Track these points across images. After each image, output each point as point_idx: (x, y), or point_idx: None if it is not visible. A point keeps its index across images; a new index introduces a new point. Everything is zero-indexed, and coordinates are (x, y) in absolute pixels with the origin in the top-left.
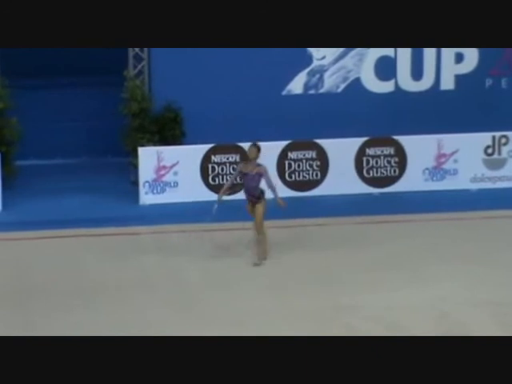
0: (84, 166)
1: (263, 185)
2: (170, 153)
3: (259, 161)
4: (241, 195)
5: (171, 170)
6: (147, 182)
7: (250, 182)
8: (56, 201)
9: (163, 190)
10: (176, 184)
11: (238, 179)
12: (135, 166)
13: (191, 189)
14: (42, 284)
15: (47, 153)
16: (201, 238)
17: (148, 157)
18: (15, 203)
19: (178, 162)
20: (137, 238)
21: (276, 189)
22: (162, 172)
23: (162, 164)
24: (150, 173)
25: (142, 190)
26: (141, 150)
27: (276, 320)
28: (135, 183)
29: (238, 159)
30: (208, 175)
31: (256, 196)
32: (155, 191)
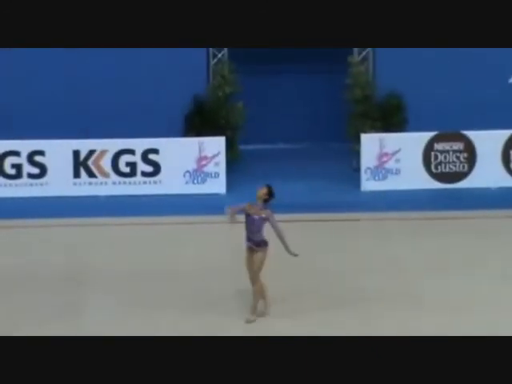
0: (306, 152)
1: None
2: (393, 140)
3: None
4: None
5: (393, 157)
6: (369, 168)
7: (250, 226)
8: (277, 185)
9: (385, 177)
10: (398, 171)
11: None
12: (357, 153)
13: (413, 176)
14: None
15: (270, 138)
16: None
17: (370, 143)
18: (238, 187)
19: (400, 149)
20: (357, 224)
21: (285, 238)
22: (385, 159)
23: (384, 151)
24: (372, 159)
25: (364, 176)
26: (363, 137)
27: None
28: (357, 169)
29: (461, 148)
30: (431, 163)
31: (256, 243)
32: (377, 178)
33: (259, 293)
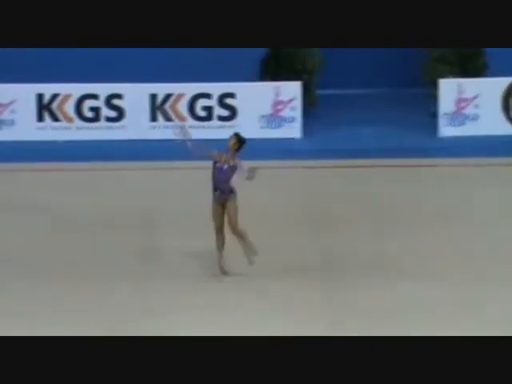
0: (383, 97)
1: None
2: (471, 85)
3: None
4: None
5: (472, 103)
6: (447, 114)
7: (219, 174)
8: (355, 130)
9: (463, 123)
10: (476, 117)
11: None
12: (435, 98)
13: (492, 122)
14: (338, 211)
15: (347, 82)
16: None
17: (448, 89)
18: (315, 132)
19: (478, 95)
20: (434, 170)
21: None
22: (463, 104)
23: (462, 96)
24: (450, 105)
25: (442, 121)
26: (441, 82)
27: None
28: (434, 115)
29: None
30: (509, 109)
31: (225, 192)
32: (454, 123)
33: (244, 236)
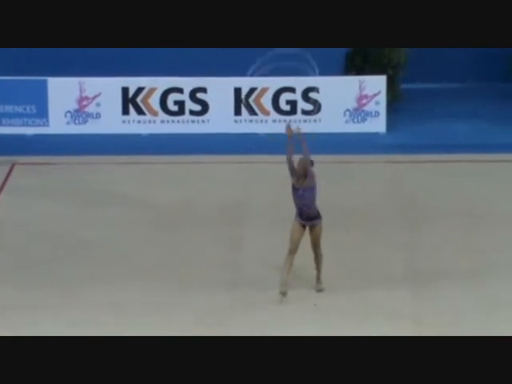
0: (470, 91)
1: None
2: None
3: None
4: None
5: None
6: None
7: (303, 200)
8: (440, 125)
9: None
10: None
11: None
12: None
13: None
14: (423, 207)
15: (433, 77)
16: None
17: None
18: (399, 126)
19: None
20: None
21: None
22: None
23: None
24: None
25: None
26: None
27: None
28: None
29: None
30: None
31: (312, 217)
32: None
33: (321, 261)
